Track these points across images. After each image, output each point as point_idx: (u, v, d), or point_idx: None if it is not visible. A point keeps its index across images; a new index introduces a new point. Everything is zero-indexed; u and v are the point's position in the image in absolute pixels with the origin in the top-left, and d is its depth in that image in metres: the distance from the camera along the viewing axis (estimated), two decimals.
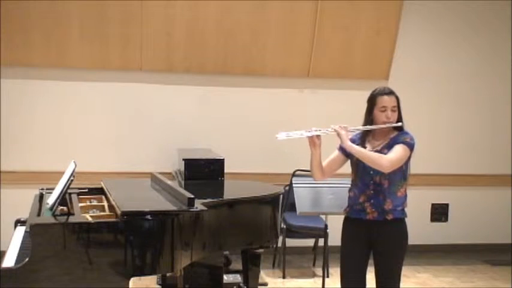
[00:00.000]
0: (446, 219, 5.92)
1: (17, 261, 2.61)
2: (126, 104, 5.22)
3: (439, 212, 5.90)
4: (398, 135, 3.05)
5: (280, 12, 5.20)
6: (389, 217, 3.02)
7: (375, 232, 3.05)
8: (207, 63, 5.24)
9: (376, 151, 3.02)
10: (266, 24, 5.21)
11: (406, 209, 3.09)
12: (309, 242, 5.39)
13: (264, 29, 5.22)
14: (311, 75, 5.42)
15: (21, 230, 3.07)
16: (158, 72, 5.20)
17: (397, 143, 2.99)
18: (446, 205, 5.91)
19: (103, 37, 5.01)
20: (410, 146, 2.99)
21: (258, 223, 3.42)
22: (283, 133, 3.04)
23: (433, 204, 5.89)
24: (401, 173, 3.02)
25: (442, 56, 5.70)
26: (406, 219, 3.11)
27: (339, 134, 2.98)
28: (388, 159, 2.92)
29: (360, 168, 3.06)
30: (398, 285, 3.09)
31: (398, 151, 2.96)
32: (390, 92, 3.05)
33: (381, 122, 3.03)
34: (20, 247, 2.82)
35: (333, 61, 5.41)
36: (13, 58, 4.89)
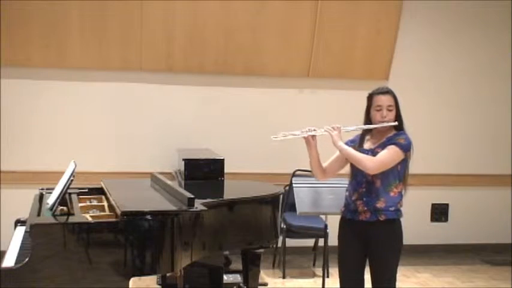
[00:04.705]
0: (446, 219, 5.92)
1: (17, 261, 2.61)
2: (126, 104, 5.22)
3: (439, 212, 5.90)
4: (394, 135, 3.06)
5: (280, 12, 5.19)
6: (382, 218, 3.01)
7: (368, 233, 3.05)
8: (207, 63, 5.23)
9: (371, 150, 3.04)
10: (266, 24, 5.21)
11: (401, 209, 3.09)
12: (309, 242, 5.38)
13: (264, 29, 5.22)
14: (311, 75, 5.42)
15: (21, 230, 3.07)
16: (158, 72, 5.20)
17: (390, 144, 3.00)
18: (446, 205, 5.91)
19: (103, 37, 5.01)
20: (403, 147, 2.99)
21: (258, 223, 3.42)
22: (280, 134, 3.12)
23: (433, 204, 5.89)
24: (395, 173, 3.02)
25: (442, 56, 5.70)
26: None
27: (330, 135, 3.03)
28: (374, 161, 2.96)
29: (355, 167, 3.08)
30: (394, 286, 3.09)
31: (386, 153, 2.98)
32: (386, 92, 3.07)
33: (377, 121, 3.06)
34: (20, 247, 2.82)
35: (333, 61, 5.41)
36: (13, 58, 4.89)
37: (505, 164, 5.89)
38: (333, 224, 3.57)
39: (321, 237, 4.60)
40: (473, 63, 5.76)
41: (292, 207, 4.26)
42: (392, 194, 3.03)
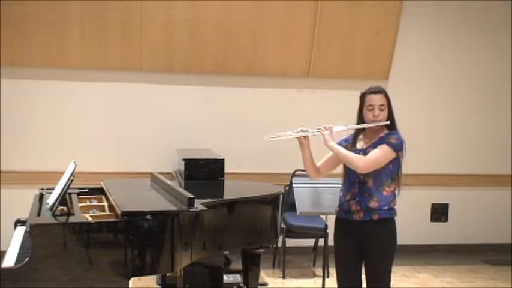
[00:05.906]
0: (446, 219, 5.92)
1: (17, 261, 2.61)
2: (126, 104, 5.22)
3: (439, 212, 5.90)
4: (386, 134, 3.06)
5: (280, 12, 5.20)
6: (376, 217, 3.02)
7: (362, 233, 3.06)
8: (207, 63, 5.24)
9: (363, 149, 3.05)
10: (266, 24, 5.21)
11: (396, 208, 3.09)
12: (309, 242, 5.39)
13: (264, 29, 5.22)
14: (311, 75, 5.42)
15: (21, 230, 3.07)
16: (158, 72, 5.20)
17: (382, 143, 3.01)
18: (446, 205, 5.91)
19: (103, 37, 5.01)
20: (394, 147, 2.99)
21: (258, 223, 3.42)
22: (272, 134, 3.14)
23: (433, 204, 5.89)
24: (388, 173, 3.03)
25: (442, 56, 5.70)
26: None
27: (322, 135, 3.05)
28: (364, 160, 2.97)
29: (347, 166, 3.09)
30: (389, 285, 3.10)
31: (377, 152, 2.98)
32: (378, 91, 3.06)
33: (369, 121, 3.06)
34: (20, 247, 2.82)
35: (333, 61, 5.41)
36: (13, 58, 4.89)
37: (505, 164, 5.89)
38: (333, 224, 3.58)
39: (321, 237, 4.60)
40: (473, 63, 5.76)
41: (292, 207, 4.26)
42: (385, 193, 3.03)
